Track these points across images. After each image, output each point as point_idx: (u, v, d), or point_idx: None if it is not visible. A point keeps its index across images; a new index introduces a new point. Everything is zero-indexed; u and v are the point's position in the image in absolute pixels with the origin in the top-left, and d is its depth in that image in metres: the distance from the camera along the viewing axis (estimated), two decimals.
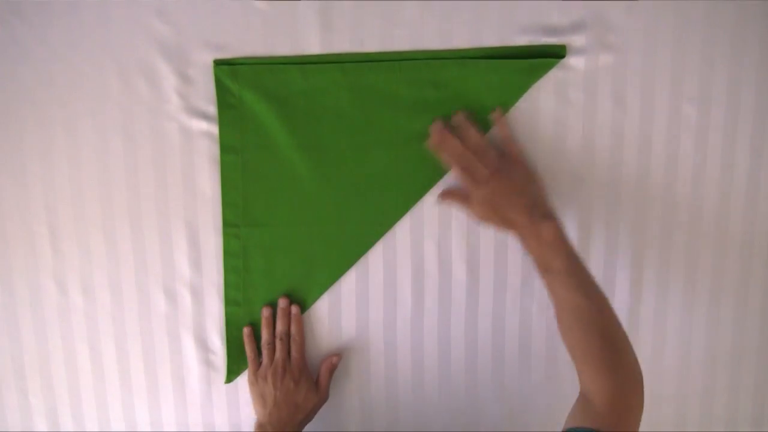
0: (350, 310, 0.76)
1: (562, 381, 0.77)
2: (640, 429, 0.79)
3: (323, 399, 0.74)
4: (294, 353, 0.72)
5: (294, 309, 0.73)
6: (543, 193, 0.67)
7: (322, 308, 0.76)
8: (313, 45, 0.70)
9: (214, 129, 0.72)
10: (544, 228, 0.63)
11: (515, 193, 0.64)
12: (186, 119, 0.72)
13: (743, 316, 0.76)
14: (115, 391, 0.78)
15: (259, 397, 0.72)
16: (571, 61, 0.70)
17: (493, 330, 0.76)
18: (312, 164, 0.72)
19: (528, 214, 0.63)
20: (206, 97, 0.71)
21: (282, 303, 0.74)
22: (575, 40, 0.70)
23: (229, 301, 0.75)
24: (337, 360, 0.74)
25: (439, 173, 0.72)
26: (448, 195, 0.71)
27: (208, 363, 0.76)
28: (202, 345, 0.76)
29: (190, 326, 0.76)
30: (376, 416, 0.78)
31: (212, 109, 0.71)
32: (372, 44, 0.70)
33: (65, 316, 0.76)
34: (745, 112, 0.72)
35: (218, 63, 0.70)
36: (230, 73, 0.70)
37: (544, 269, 0.64)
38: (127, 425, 0.78)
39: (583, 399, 0.60)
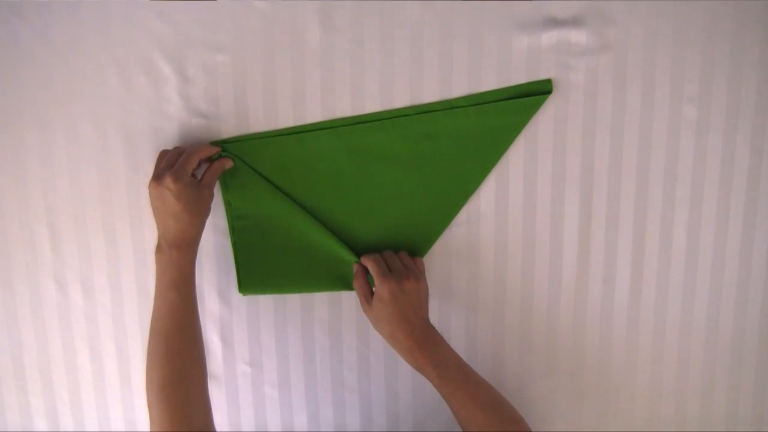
0: (350, 309, 0.76)
1: (561, 379, 0.78)
2: (641, 429, 0.79)
3: (206, 195, 0.67)
4: (179, 161, 0.66)
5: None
6: (426, 314, 0.69)
7: (323, 308, 0.76)
8: (313, 45, 0.70)
9: (214, 129, 0.72)
10: (417, 358, 0.66)
11: (412, 307, 0.67)
12: (186, 119, 0.72)
13: (743, 316, 0.76)
14: (115, 391, 0.78)
15: (151, 207, 0.68)
16: (571, 60, 0.71)
17: (493, 329, 0.76)
18: (316, 228, 0.72)
19: (412, 339, 0.66)
20: (206, 97, 0.71)
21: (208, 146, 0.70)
22: (576, 37, 0.70)
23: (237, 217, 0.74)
24: (228, 162, 0.70)
25: (441, 226, 0.73)
26: (358, 272, 0.71)
27: (207, 363, 0.76)
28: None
29: None
30: (376, 416, 0.78)
31: (212, 109, 0.71)
32: (372, 44, 0.70)
33: (65, 315, 0.76)
34: (745, 112, 0.72)
35: (214, 144, 0.71)
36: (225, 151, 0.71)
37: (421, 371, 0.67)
38: (127, 425, 0.78)
39: None
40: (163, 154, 0.69)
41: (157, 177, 0.65)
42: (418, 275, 0.68)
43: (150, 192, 0.66)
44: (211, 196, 0.68)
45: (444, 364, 0.66)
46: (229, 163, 0.70)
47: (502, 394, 0.68)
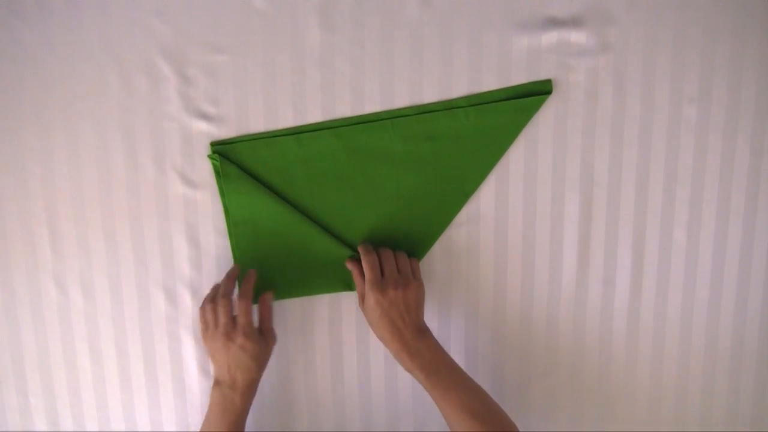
0: (350, 309, 0.76)
1: (561, 379, 0.78)
2: (641, 429, 0.79)
3: (271, 343, 0.70)
4: (240, 316, 0.67)
5: (250, 272, 0.72)
6: (421, 316, 0.69)
7: (323, 308, 0.76)
8: (313, 45, 0.70)
9: (214, 129, 0.72)
10: (405, 361, 0.67)
11: (399, 314, 0.67)
12: (186, 119, 0.72)
13: (743, 316, 0.76)
14: (115, 391, 0.78)
15: (212, 355, 0.70)
16: (571, 60, 0.71)
17: (493, 329, 0.76)
18: (315, 231, 0.72)
19: (400, 343, 0.66)
20: (206, 97, 0.71)
21: (233, 269, 0.72)
22: (576, 37, 0.70)
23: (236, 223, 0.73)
24: (270, 296, 0.71)
25: (441, 226, 0.73)
26: (355, 271, 0.71)
27: (207, 363, 0.76)
28: (202, 345, 0.76)
29: (190, 326, 0.76)
30: (376, 416, 0.78)
31: (212, 109, 0.71)
32: (372, 44, 0.70)
33: (65, 316, 0.76)
34: (745, 112, 0.72)
35: (214, 144, 0.71)
36: (225, 156, 0.71)
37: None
38: (127, 425, 0.78)
39: None
40: (210, 305, 0.69)
41: (226, 335, 0.67)
42: (408, 281, 0.68)
43: (211, 345, 0.68)
44: (274, 340, 0.70)
45: (433, 367, 0.66)
46: (269, 296, 0.71)
47: (500, 396, 0.68)
